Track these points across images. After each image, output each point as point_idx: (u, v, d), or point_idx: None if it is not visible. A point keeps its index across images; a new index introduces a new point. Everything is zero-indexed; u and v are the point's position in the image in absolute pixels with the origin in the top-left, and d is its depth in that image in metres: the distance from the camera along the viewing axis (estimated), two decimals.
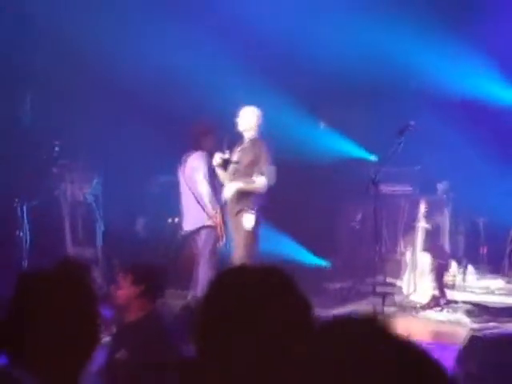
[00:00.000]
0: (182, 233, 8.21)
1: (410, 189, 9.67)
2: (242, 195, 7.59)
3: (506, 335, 6.28)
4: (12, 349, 1.84)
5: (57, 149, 8.84)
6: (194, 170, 7.96)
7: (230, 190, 7.65)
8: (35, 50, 9.40)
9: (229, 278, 1.60)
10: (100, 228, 9.27)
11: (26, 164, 8.98)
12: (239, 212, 7.57)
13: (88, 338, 1.90)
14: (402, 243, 9.50)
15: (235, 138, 7.81)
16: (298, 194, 9.97)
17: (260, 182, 7.57)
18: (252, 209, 7.52)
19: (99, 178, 9.48)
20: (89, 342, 1.90)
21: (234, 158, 7.72)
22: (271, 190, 7.68)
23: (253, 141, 7.68)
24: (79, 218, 9.47)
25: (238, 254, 7.46)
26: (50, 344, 1.82)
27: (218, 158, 7.69)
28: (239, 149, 7.72)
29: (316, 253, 9.89)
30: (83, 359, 1.89)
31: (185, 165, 8.08)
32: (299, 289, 1.57)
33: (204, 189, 7.88)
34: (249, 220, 7.52)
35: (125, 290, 4.14)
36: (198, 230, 7.89)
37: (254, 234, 7.56)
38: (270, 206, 7.78)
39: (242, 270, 1.62)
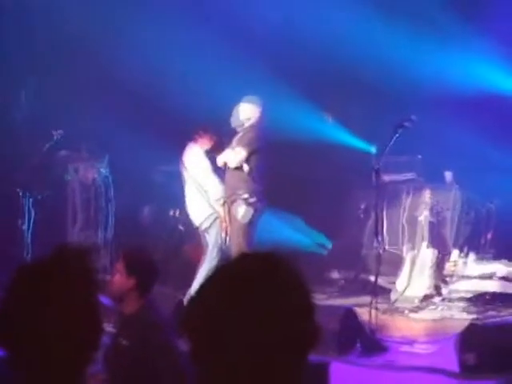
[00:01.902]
0: (194, 227, 8.17)
1: (415, 176, 9.59)
2: (236, 182, 7.54)
3: (506, 324, 6.36)
4: (9, 342, 1.80)
5: (58, 137, 8.84)
6: (194, 165, 7.98)
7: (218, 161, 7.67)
8: (34, 38, 9.38)
9: (227, 269, 1.57)
10: (108, 214, 9.29)
11: (30, 153, 9.00)
12: (233, 201, 7.51)
13: (89, 328, 1.84)
14: (404, 236, 9.47)
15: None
16: (305, 179, 9.98)
17: (231, 156, 7.53)
18: (247, 198, 7.45)
19: (104, 166, 9.49)
20: (90, 332, 1.85)
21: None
22: (270, 175, 7.65)
23: (251, 127, 7.64)
24: (84, 204, 9.46)
25: (235, 246, 7.40)
26: (47, 337, 1.77)
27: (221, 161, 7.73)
28: (235, 140, 7.68)
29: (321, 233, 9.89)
30: (84, 351, 1.84)
31: (185, 159, 8.11)
32: (301, 275, 1.55)
33: (207, 181, 7.88)
34: (243, 211, 7.45)
35: (118, 278, 4.07)
36: (207, 222, 7.89)
37: (249, 225, 7.48)
38: (274, 191, 7.76)
39: (240, 260, 1.58)
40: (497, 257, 8.93)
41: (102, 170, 9.43)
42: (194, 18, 9.59)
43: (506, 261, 8.68)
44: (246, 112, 7.64)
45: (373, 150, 8.99)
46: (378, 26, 9.37)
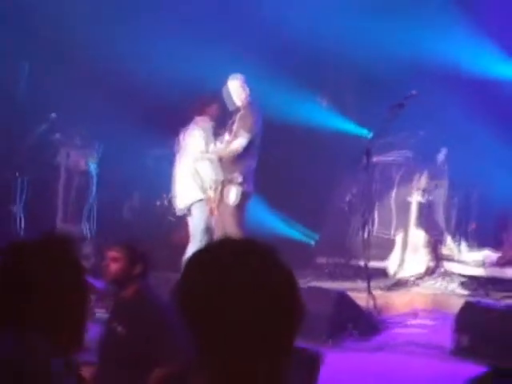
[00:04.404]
0: (177, 212, 8.16)
1: (407, 155, 9.58)
2: (231, 165, 7.52)
3: (500, 307, 6.39)
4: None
5: (53, 119, 8.83)
6: (192, 147, 7.90)
7: (211, 157, 7.66)
8: (28, 25, 9.32)
9: (207, 252, 1.57)
10: (94, 203, 9.30)
11: (22, 136, 8.98)
12: (226, 185, 7.49)
13: (76, 309, 1.90)
14: (394, 219, 9.49)
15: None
16: (292, 166, 9.96)
17: (233, 145, 7.53)
18: (241, 182, 7.44)
19: (95, 152, 9.47)
20: (78, 312, 1.90)
21: (228, 131, 7.69)
22: (261, 160, 7.65)
23: (245, 107, 7.62)
24: (74, 191, 9.46)
25: (224, 229, 7.36)
26: (37, 313, 1.82)
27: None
28: (236, 118, 7.66)
29: (307, 226, 9.89)
30: (73, 331, 1.89)
31: (184, 140, 8.04)
32: (282, 260, 1.55)
33: (203, 164, 7.84)
34: (233, 194, 7.44)
35: (120, 266, 4.15)
36: (191, 206, 7.84)
37: (240, 208, 7.47)
38: (262, 179, 7.75)
39: (221, 244, 1.59)
40: (482, 245, 9.01)
41: (91, 158, 9.40)
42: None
43: (490, 248, 8.79)
44: (236, 90, 7.63)
45: (368, 134, 8.97)
46: (371, 8, 9.33)
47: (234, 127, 7.61)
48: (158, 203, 9.61)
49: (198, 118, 7.95)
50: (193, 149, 7.88)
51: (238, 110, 7.68)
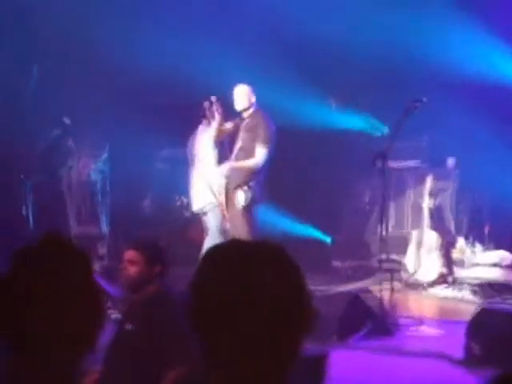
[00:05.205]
0: (193, 211, 8.18)
1: (418, 163, 9.61)
2: (236, 171, 7.50)
3: None
4: (8, 331, 1.77)
5: (67, 124, 8.85)
6: (202, 151, 7.93)
7: (223, 170, 7.58)
8: (36, 28, 9.35)
9: (216, 253, 1.57)
10: (107, 204, 9.30)
11: (32, 140, 8.99)
12: (234, 189, 7.46)
13: (91, 312, 1.82)
14: (409, 220, 9.51)
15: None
16: (306, 170, 9.96)
17: (252, 161, 7.47)
18: (246, 185, 7.40)
19: (105, 155, 9.48)
20: (92, 315, 1.83)
21: (238, 139, 7.63)
22: (272, 165, 7.61)
23: (252, 117, 7.58)
24: (86, 194, 9.47)
25: (235, 234, 7.31)
26: (47, 321, 1.75)
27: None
28: (242, 127, 7.62)
29: (322, 229, 9.88)
30: (87, 335, 1.82)
31: (193, 141, 8.08)
32: (292, 262, 1.54)
33: (213, 169, 7.85)
34: (242, 197, 7.40)
35: (139, 268, 4.08)
36: (206, 208, 7.87)
37: (249, 212, 7.43)
38: (276, 183, 7.73)
39: (229, 245, 1.58)
40: (497, 247, 8.96)
41: (101, 162, 9.42)
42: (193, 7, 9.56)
43: (505, 251, 8.74)
44: (242, 98, 7.59)
45: (385, 129, 8.94)
46: (388, 14, 9.30)
47: (244, 135, 7.54)
48: (173, 202, 9.62)
49: (204, 122, 7.95)
50: (202, 155, 7.90)
51: (243, 117, 7.63)
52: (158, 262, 4.10)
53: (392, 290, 7.00)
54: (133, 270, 4.07)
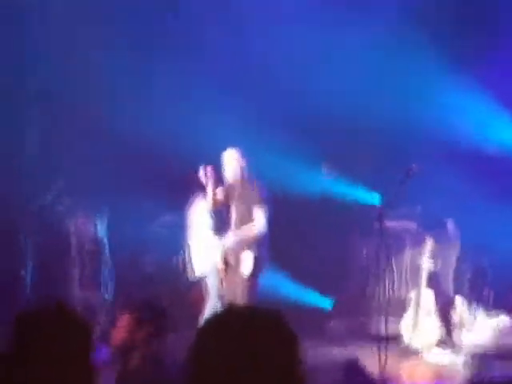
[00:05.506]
0: (193, 277, 8.20)
1: (415, 225, 9.62)
2: (239, 241, 7.45)
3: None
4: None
5: (59, 188, 8.87)
6: (198, 222, 8.00)
7: (226, 243, 7.55)
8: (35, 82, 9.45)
9: (215, 322, 1.59)
10: (106, 271, 9.27)
11: (31, 199, 9.01)
12: (237, 256, 7.43)
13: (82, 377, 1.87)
14: (408, 284, 9.46)
15: None
16: (303, 231, 9.95)
17: (254, 227, 7.42)
18: (254, 251, 7.38)
19: (103, 220, 9.47)
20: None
21: (232, 208, 7.62)
22: (271, 230, 7.57)
23: (243, 184, 7.56)
24: (86, 256, 9.41)
25: (237, 298, 7.26)
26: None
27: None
28: (235, 197, 7.60)
29: (320, 291, 9.83)
30: None
31: (190, 213, 8.16)
32: (287, 328, 1.56)
33: (209, 238, 7.87)
34: (247, 264, 7.37)
35: (124, 330, 4.02)
36: (206, 274, 7.89)
37: (253, 278, 7.39)
38: (274, 244, 7.71)
39: (226, 313, 1.62)
40: (498, 310, 8.91)
41: (99, 225, 9.40)
42: (187, 65, 9.64)
43: (506, 315, 8.69)
44: (232, 164, 7.58)
45: (376, 199, 8.98)
46: (376, 73, 9.42)
47: (238, 204, 7.52)
48: (174, 265, 9.59)
49: (199, 193, 8.00)
50: (199, 225, 7.97)
51: (233, 185, 7.61)
52: (146, 325, 3.98)
53: (386, 357, 6.89)
54: (120, 332, 4.01)
